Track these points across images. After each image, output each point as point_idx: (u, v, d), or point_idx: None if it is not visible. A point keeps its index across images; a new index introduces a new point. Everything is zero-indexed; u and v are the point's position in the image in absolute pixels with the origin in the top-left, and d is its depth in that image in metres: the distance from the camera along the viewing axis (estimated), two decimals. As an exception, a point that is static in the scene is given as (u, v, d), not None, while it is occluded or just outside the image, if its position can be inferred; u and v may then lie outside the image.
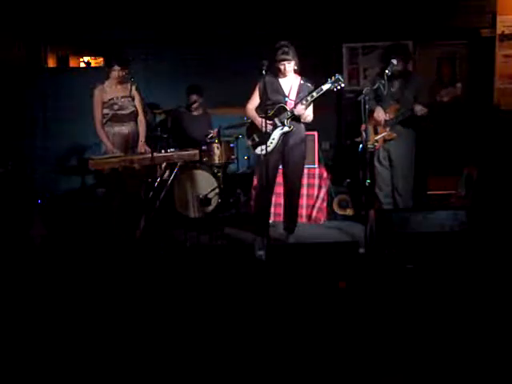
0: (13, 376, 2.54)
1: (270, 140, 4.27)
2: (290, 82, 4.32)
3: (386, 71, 4.40)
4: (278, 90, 4.28)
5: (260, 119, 4.30)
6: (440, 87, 4.54)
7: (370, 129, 4.62)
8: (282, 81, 4.31)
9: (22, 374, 2.56)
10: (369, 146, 4.32)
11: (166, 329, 2.93)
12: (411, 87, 4.57)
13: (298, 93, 4.29)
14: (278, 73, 4.27)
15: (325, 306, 3.11)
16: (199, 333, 2.87)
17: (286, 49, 4.18)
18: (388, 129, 4.61)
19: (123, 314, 3.11)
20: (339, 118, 6.71)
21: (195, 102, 5.84)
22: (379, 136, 4.65)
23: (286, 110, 4.26)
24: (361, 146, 4.63)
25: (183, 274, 3.66)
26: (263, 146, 4.30)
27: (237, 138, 5.72)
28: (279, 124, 4.27)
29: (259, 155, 4.39)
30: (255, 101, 4.41)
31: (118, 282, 3.55)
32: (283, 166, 4.44)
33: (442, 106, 4.45)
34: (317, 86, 4.21)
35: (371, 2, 6.16)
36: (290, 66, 4.23)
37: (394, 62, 4.35)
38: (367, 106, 3.97)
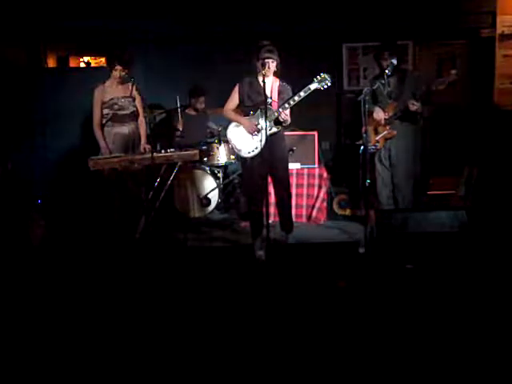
0: (13, 376, 2.54)
1: (257, 141, 4.18)
2: (271, 83, 4.23)
3: (386, 71, 4.40)
4: (260, 91, 4.12)
5: (244, 120, 4.26)
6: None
7: (370, 130, 4.62)
8: (262, 82, 4.16)
9: (22, 374, 2.56)
10: (370, 147, 4.31)
11: (166, 329, 2.93)
12: (408, 85, 4.56)
13: (279, 94, 4.23)
14: (259, 73, 4.16)
15: (325, 306, 3.11)
16: (199, 333, 2.87)
17: (271, 47, 4.11)
18: (388, 127, 4.61)
19: (123, 315, 3.11)
20: (339, 118, 6.71)
21: (203, 103, 5.91)
22: (380, 135, 4.64)
23: (271, 110, 4.14)
24: (362, 148, 4.63)
25: (183, 274, 3.67)
26: (250, 148, 4.24)
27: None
28: (267, 125, 4.18)
29: (245, 158, 4.30)
30: (234, 101, 4.32)
31: (118, 282, 3.55)
32: (271, 167, 4.26)
33: (442, 106, 4.44)
34: (304, 85, 4.16)
35: (371, 2, 6.16)
36: (273, 66, 4.14)
37: (394, 61, 4.35)
38: (367, 106, 3.97)
